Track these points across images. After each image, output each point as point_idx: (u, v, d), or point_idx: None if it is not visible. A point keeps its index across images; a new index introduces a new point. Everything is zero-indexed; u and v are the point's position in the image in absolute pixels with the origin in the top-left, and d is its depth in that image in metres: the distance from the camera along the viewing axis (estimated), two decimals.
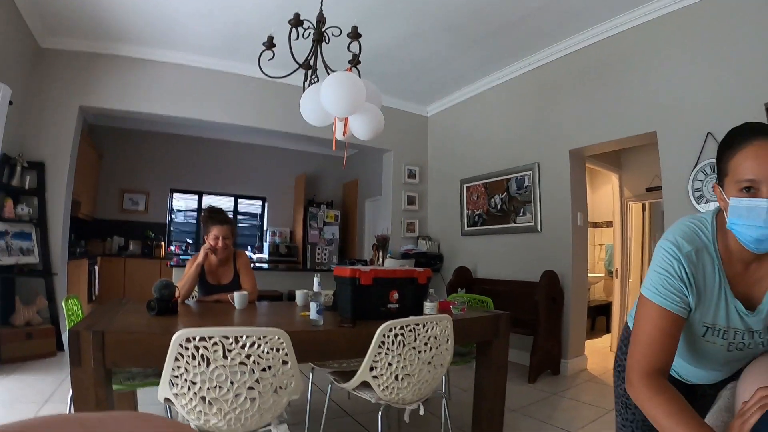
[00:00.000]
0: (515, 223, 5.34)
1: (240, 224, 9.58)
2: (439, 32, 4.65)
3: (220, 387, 1.67)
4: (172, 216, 9.04)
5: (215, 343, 1.66)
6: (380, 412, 2.23)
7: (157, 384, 1.70)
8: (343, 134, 2.98)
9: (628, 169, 6.09)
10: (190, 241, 9.01)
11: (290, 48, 2.90)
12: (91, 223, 7.84)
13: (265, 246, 9.40)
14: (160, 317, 2.32)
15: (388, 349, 2.07)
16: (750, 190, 1.00)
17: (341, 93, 2.59)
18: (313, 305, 2.33)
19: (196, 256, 3.06)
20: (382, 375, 2.09)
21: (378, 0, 4.08)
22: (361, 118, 2.89)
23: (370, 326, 2.10)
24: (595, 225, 7.32)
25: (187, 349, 1.64)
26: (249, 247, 9.36)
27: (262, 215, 9.88)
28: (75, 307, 2.56)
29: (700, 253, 1.12)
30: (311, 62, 3.12)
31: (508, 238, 5.44)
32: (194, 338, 1.64)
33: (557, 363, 4.60)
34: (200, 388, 1.66)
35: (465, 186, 6.12)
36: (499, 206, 5.58)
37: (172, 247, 8.81)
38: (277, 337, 1.76)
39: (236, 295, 2.82)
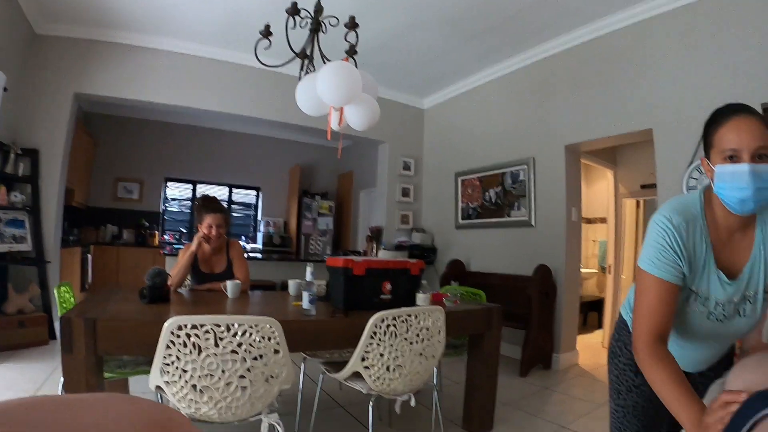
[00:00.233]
0: (509, 217, 5.35)
1: (234, 214, 9.55)
2: (437, 24, 4.63)
3: (211, 375, 1.67)
4: (166, 205, 9.00)
5: (207, 331, 1.66)
6: (371, 403, 2.24)
7: (149, 372, 1.70)
8: (339, 124, 2.97)
9: (624, 165, 6.11)
10: (184, 231, 8.97)
11: (287, 37, 2.88)
12: (84, 211, 7.80)
13: (259, 236, 9.38)
14: (152, 305, 2.31)
15: (380, 339, 2.08)
16: (733, 158, 1.15)
17: (337, 82, 2.58)
18: (305, 295, 2.34)
19: (189, 245, 3.06)
20: (373, 366, 2.09)
21: None
22: (356, 108, 2.88)
23: (363, 317, 2.10)
24: (589, 221, 7.34)
25: (178, 336, 1.64)
26: (243, 237, 9.34)
27: (256, 205, 9.85)
28: (67, 295, 2.55)
29: (689, 224, 1.24)
30: (308, 52, 3.10)
31: (502, 232, 5.45)
32: (186, 326, 1.64)
33: (549, 357, 4.63)
34: (191, 376, 1.66)
35: (460, 179, 6.12)
36: (493, 200, 5.58)
37: (166, 236, 8.77)
38: (268, 326, 1.76)
39: (229, 284, 2.82)
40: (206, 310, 2.38)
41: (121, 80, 5.13)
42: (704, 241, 1.24)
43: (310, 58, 3.13)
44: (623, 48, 4.25)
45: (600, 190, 7.01)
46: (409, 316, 2.16)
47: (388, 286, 2.58)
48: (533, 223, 5.04)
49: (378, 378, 2.12)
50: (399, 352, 2.13)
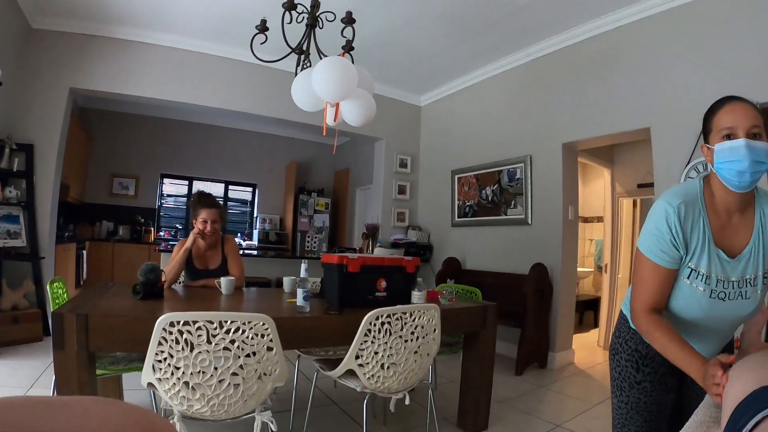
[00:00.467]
0: (506, 215, 5.34)
1: (230, 211, 9.52)
2: (434, 21, 4.61)
3: (203, 372, 1.66)
4: (162, 201, 8.97)
5: (199, 328, 1.64)
6: (366, 401, 2.23)
7: (142, 369, 1.69)
8: (334, 120, 2.95)
9: (621, 164, 6.10)
10: (180, 227, 8.95)
11: (283, 32, 2.86)
12: (79, 206, 7.76)
13: (255, 233, 9.37)
14: (146, 301, 2.30)
15: (374, 337, 2.06)
16: (729, 137, 1.28)
17: (333, 77, 2.56)
18: (299, 291, 2.32)
19: (184, 241, 3.04)
20: (367, 363, 2.08)
21: None
22: (352, 103, 2.86)
23: (357, 314, 2.09)
24: (586, 220, 7.35)
25: (170, 333, 1.62)
26: (239, 234, 9.32)
27: (252, 202, 9.83)
28: (60, 290, 2.54)
29: (688, 206, 1.34)
30: (304, 47, 3.08)
31: (499, 230, 5.45)
32: (178, 322, 1.63)
33: (544, 356, 4.62)
34: (183, 373, 1.65)
35: (456, 177, 6.11)
36: (490, 198, 5.58)
37: (162, 233, 8.74)
38: (262, 323, 1.74)
39: (223, 280, 2.80)
40: (200, 307, 2.37)
41: (117, 75, 5.09)
42: (702, 222, 1.34)
43: (307, 54, 3.11)
44: (621, 46, 4.25)
45: (597, 189, 7.01)
46: (404, 313, 2.15)
47: (383, 284, 2.57)
48: (530, 222, 5.03)
49: (372, 376, 2.10)
50: (394, 350, 2.12)
